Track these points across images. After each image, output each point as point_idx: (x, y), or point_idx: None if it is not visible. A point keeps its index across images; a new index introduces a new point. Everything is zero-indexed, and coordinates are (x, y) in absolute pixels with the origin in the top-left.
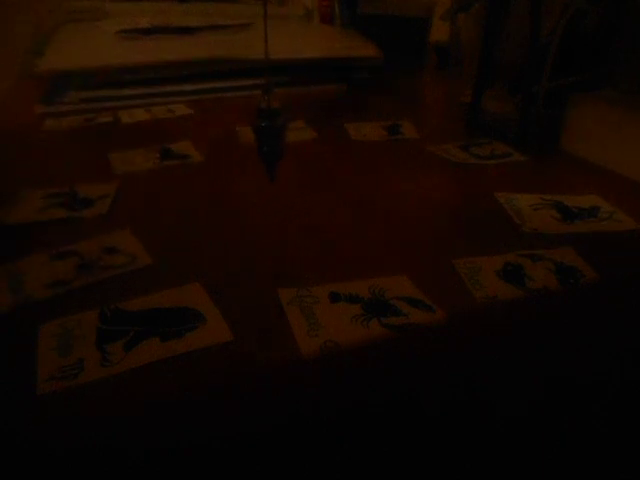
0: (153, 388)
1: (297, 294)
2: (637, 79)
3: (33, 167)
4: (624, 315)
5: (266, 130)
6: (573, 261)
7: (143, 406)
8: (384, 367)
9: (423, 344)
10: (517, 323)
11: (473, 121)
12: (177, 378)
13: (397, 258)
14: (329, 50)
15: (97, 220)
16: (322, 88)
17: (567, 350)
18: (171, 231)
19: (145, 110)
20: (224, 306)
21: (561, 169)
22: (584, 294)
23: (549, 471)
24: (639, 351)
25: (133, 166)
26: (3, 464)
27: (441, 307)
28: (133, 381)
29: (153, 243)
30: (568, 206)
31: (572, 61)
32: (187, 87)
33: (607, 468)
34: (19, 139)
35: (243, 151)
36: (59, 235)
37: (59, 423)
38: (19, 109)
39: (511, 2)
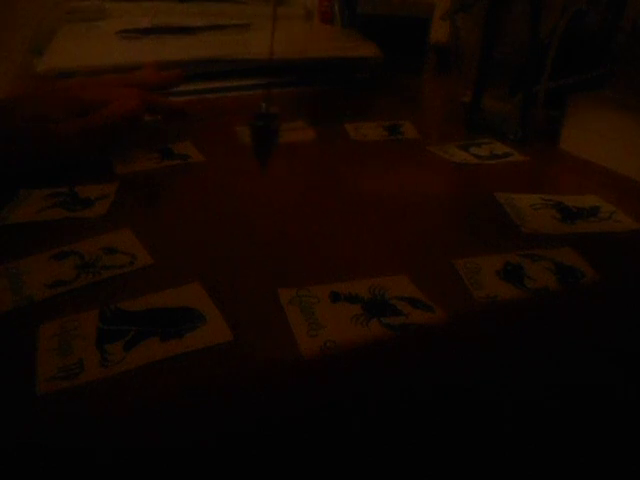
0: (153, 388)
1: (297, 294)
2: (637, 79)
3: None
4: (624, 315)
5: (262, 131)
6: (573, 261)
7: (143, 406)
8: (384, 367)
9: (423, 344)
10: (517, 323)
11: (473, 121)
12: (177, 378)
13: (397, 258)
14: (329, 50)
15: (97, 220)
16: (322, 88)
17: (567, 350)
18: (171, 231)
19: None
20: (224, 306)
21: (561, 169)
22: (584, 294)
23: (550, 472)
24: (639, 351)
25: (133, 166)
26: (3, 464)
27: (441, 307)
28: (133, 381)
29: (153, 243)
30: (568, 206)
31: (572, 61)
32: (187, 87)
33: (607, 469)
34: None
35: (243, 151)
36: (59, 235)
37: (59, 423)
38: None
39: (511, 2)
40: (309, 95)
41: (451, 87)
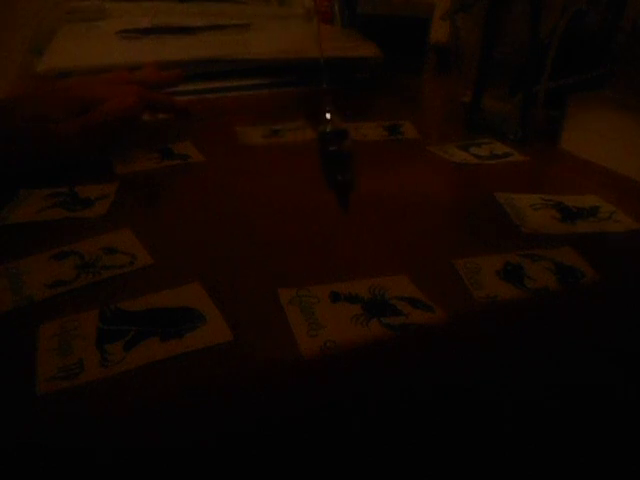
0: (153, 388)
1: (297, 294)
2: (637, 79)
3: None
4: (624, 315)
5: (336, 156)
6: (573, 261)
7: (143, 406)
8: (384, 367)
9: (423, 344)
10: (517, 323)
11: (473, 121)
12: (177, 378)
13: (397, 258)
14: (329, 50)
15: (97, 220)
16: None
17: (567, 350)
18: (171, 231)
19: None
20: (224, 306)
21: (561, 169)
22: (584, 294)
23: (550, 472)
24: (639, 351)
25: (133, 166)
26: (3, 464)
27: (441, 307)
28: (133, 381)
29: (153, 243)
30: (568, 206)
31: (572, 61)
32: (187, 87)
33: (607, 469)
34: None
35: (243, 151)
36: (59, 235)
37: (59, 423)
38: None
39: (511, 2)
40: (309, 95)
41: (451, 87)
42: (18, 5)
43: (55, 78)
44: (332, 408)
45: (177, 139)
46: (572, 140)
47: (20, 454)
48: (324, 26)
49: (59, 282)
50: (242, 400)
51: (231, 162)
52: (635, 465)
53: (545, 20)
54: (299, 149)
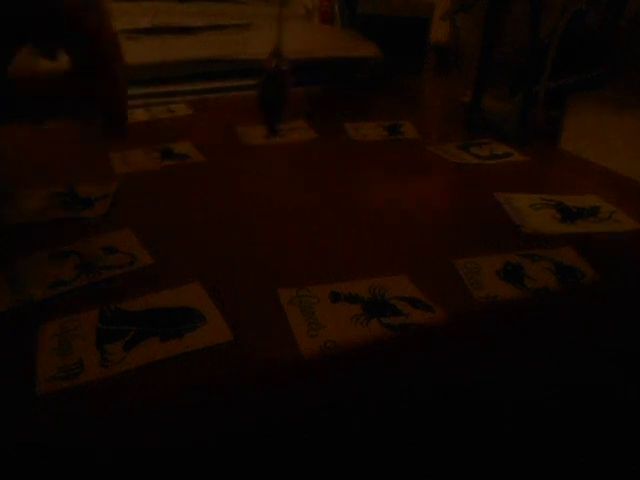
0: (153, 388)
1: (297, 294)
2: (637, 79)
3: (33, 167)
4: (624, 315)
5: (272, 95)
6: (573, 261)
7: (143, 406)
8: (384, 367)
9: (423, 344)
10: (517, 323)
11: (473, 121)
12: (177, 378)
13: (397, 258)
14: (329, 50)
15: (97, 220)
16: (322, 88)
17: (567, 350)
18: (171, 231)
19: (145, 110)
20: (224, 306)
21: (561, 169)
22: (584, 294)
23: (550, 472)
24: (639, 351)
25: (133, 166)
26: (3, 464)
27: (441, 307)
28: (133, 381)
29: (153, 243)
30: (568, 206)
31: (572, 61)
32: (187, 87)
33: (607, 469)
34: (19, 139)
35: (243, 151)
36: (59, 235)
37: (59, 423)
38: None
39: (511, 2)
40: (309, 95)
41: (451, 87)
42: None
43: None
44: (332, 408)
45: (177, 139)
46: (572, 140)
47: (20, 454)
48: (324, 26)
49: (59, 282)
50: (242, 400)
51: (231, 162)
52: (635, 465)
53: (545, 20)
54: (299, 149)
